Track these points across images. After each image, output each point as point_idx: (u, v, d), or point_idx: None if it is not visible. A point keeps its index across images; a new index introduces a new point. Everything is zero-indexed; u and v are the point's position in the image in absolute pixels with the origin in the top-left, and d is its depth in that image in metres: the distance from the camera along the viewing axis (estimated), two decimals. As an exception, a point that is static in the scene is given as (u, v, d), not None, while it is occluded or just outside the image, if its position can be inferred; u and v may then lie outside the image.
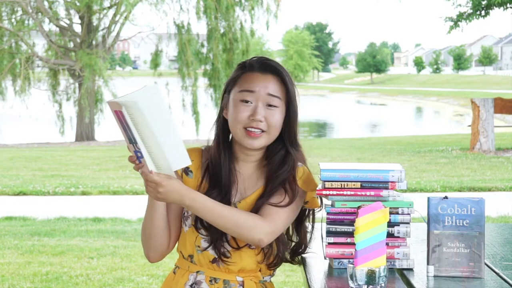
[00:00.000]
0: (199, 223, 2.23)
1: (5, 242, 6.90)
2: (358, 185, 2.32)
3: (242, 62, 2.28)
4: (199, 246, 2.24)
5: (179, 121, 21.59)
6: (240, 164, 2.27)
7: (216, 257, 2.24)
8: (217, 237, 2.21)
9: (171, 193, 2.05)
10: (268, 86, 2.19)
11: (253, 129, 2.18)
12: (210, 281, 2.24)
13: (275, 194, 2.21)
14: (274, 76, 2.21)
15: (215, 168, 2.24)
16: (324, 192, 2.34)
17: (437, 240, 2.23)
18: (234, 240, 2.22)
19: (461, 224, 2.22)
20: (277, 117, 2.19)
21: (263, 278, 2.30)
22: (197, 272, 2.26)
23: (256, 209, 2.21)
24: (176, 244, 2.33)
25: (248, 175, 2.27)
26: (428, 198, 2.25)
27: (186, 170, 2.27)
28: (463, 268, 2.22)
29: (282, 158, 2.24)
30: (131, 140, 2.00)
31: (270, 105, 2.19)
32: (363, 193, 2.32)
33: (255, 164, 2.28)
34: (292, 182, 2.23)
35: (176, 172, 2.16)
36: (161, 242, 2.23)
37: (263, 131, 2.19)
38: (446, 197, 2.23)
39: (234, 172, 2.26)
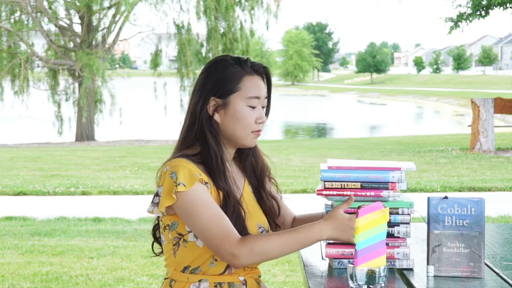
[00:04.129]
0: None
1: (5, 242, 6.90)
2: (358, 185, 2.32)
3: (234, 66, 2.25)
4: (216, 260, 2.19)
5: (176, 121, 21.57)
6: (229, 162, 2.31)
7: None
8: None
9: None
10: (264, 89, 2.29)
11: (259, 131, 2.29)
12: (215, 286, 2.21)
13: (271, 188, 2.40)
14: (265, 78, 2.31)
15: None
16: (324, 192, 2.34)
17: (437, 240, 2.23)
18: None
19: (461, 224, 2.22)
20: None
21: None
22: (199, 280, 2.21)
23: (270, 206, 2.35)
24: (165, 257, 2.29)
25: (235, 173, 2.32)
26: (428, 198, 2.25)
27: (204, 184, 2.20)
28: (463, 268, 2.22)
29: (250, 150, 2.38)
30: None
31: (263, 106, 2.29)
32: (363, 193, 2.32)
33: (235, 160, 2.36)
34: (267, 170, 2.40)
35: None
36: None
37: None
38: (446, 197, 2.23)
39: (229, 173, 2.28)
